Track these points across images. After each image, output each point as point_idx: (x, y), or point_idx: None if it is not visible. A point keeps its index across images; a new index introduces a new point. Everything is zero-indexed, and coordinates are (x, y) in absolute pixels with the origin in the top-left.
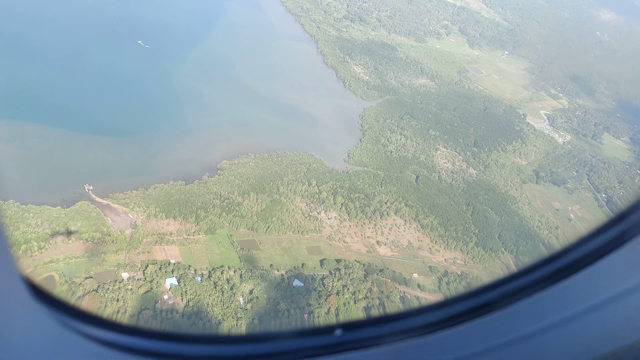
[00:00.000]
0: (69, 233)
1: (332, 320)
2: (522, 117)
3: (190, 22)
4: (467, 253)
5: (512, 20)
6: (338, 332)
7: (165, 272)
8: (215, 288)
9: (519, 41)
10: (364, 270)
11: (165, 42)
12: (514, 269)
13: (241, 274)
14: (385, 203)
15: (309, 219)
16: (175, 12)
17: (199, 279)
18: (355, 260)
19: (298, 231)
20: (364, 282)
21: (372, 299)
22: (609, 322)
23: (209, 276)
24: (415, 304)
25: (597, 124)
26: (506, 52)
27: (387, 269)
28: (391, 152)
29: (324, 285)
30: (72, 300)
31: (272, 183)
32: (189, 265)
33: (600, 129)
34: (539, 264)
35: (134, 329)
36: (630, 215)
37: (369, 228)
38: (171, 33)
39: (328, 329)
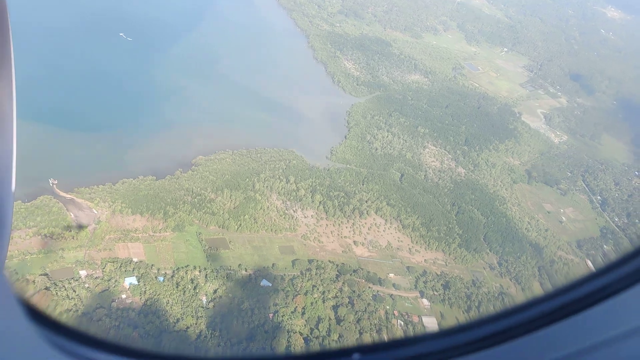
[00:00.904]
0: (28, 228)
1: (297, 319)
2: (518, 115)
3: (178, 15)
4: (449, 254)
5: (513, 17)
6: (356, 356)
7: (126, 270)
8: (177, 287)
9: (519, 38)
10: (337, 271)
11: (150, 36)
12: (497, 269)
13: (206, 274)
14: (366, 202)
15: (284, 217)
16: (163, 5)
17: (162, 278)
18: (329, 261)
19: (271, 230)
20: (335, 282)
21: (342, 298)
22: (628, 357)
23: (173, 275)
24: (389, 303)
25: (596, 124)
26: (505, 49)
27: (362, 269)
28: (376, 149)
29: (292, 285)
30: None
31: (247, 180)
32: (152, 264)
33: (599, 129)
34: (557, 293)
35: (131, 351)
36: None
37: (346, 227)
38: (157, 26)
39: (346, 352)
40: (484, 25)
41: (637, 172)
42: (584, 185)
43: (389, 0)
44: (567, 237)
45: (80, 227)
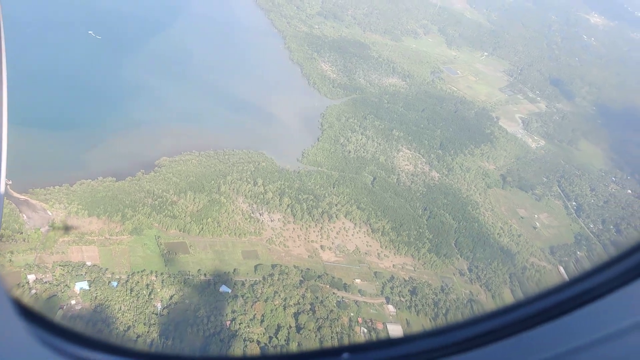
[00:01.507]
0: None
1: (255, 327)
2: (495, 120)
3: (152, 14)
4: (419, 259)
5: (495, 22)
6: (345, 355)
7: (77, 275)
8: (131, 293)
9: (499, 42)
10: (301, 276)
11: (120, 33)
12: (467, 275)
13: (163, 279)
14: (336, 205)
15: (249, 221)
16: (137, 2)
17: (115, 283)
18: (294, 266)
19: (235, 234)
20: (298, 288)
21: (304, 305)
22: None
23: (127, 280)
24: (353, 309)
25: (574, 130)
26: (485, 53)
27: (327, 274)
28: (349, 152)
29: (253, 291)
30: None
31: (213, 182)
32: (107, 268)
33: (577, 135)
34: (549, 293)
35: (122, 349)
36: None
37: (314, 231)
38: (128, 24)
39: (335, 352)
40: (465, 29)
41: (613, 178)
42: (560, 191)
43: (370, 3)
44: (541, 243)
45: (33, 229)
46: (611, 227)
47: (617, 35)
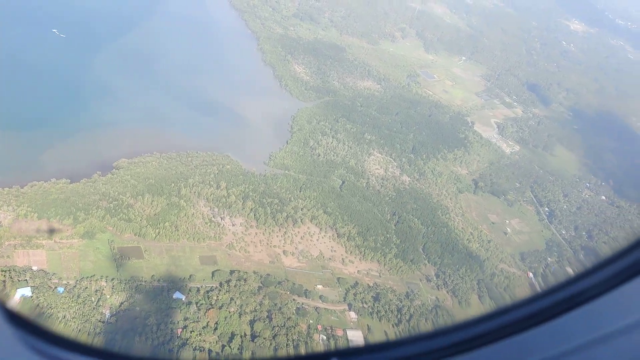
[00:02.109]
0: None
1: (208, 335)
2: (470, 124)
3: (122, 12)
4: (385, 264)
5: (475, 27)
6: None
7: (20, 280)
8: (78, 299)
9: (478, 47)
10: (260, 282)
11: (87, 32)
12: (434, 281)
13: (113, 285)
14: (301, 209)
15: (210, 225)
16: (108, 1)
17: (61, 289)
18: (254, 272)
19: (194, 238)
20: (256, 294)
21: (261, 312)
22: (620, 353)
23: (75, 286)
24: (313, 316)
25: (550, 135)
26: (463, 58)
27: (288, 280)
28: (319, 155)
29: (208, 298)
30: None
31: (173, 185)
32: (54, 273)
33: (553, 140)
34: (551, 291)
35: (108, 354)
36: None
37: (277, 236)
38: (97, 23)
39: (324, 356)
40: (443, 33)
41: (588, 184)
42: (532, 197)
43: (347, 5)
44: (511, 249)
45: None
46: (583, 233)
47: (596, 41)
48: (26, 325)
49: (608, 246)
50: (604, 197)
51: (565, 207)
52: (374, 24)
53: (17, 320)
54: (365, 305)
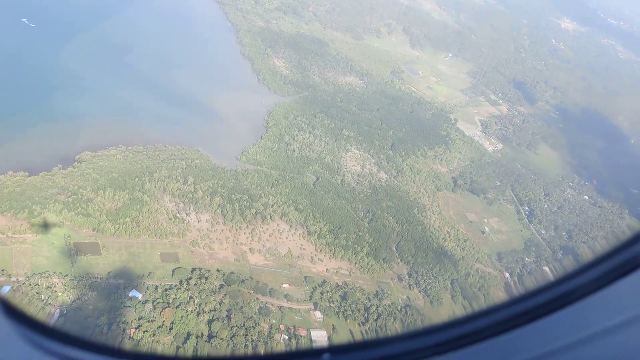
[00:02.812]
0: None
1: (163, 335)
2: (453, 121)
3: (98, 3)
4: (355, 263)
5: (464, 23)
6: (326, 356)
7: None
8: (25, 297)
9: (465, 44)
10: (223, 281)
11: (59, 22)
12: (406, 280)
13: (66, 282)
14: (272, 206)
15: (174, 221)
16: None
17: (8, 287)
18: (217, 270)
19: (156, 234)
20: (216, 293)
21: (221, 311)
22: (606, 353)
23: (24, 283)
24: (277, 316)
25: (534, 133)
26: (450, 55)
27: (252, 279)
28: (294, 151)
29: (165, 296)
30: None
31: (137, 179)
32: (3, 270)
33: (537, 139)
34: (538, 291)
35: (104, 348)
36: (617, 255)
37: (244, 233)
38: (70, 13)
39: (316, 352)
40: (430, 29)
41: (571, 184)
42: (513, 195)
43: (333, 0)
44: (488, 249)
45: None
46: (563, 233)
47: (587, 40)
48: (25, 320)
49: (587, 246)
50: (586, 197)
51: (546, 206)
52: (360, 18)
53: (14, 313)
54: (331, 304)
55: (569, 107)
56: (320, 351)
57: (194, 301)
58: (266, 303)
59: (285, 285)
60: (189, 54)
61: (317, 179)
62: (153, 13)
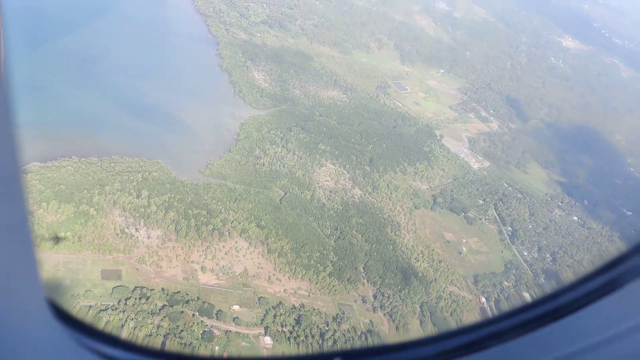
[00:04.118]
0: None
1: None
2: (439, 138)
3: (71, 12)
4: (317, 283)
5: (459, 40)
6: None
7: None
8: None
9: (458, 60)
10: (166, 301)
11: (25, 30)
12: (371, 303)
13: None
14: (231, 222)
15: (121, 237)
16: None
17: None
18: (162, 289)
19: (99, 250)
20: (155, 315)
21: (157, 335)
22: None
23: None
24: (222, 341)
25: (525, 151)
26: (442, 71)
27: (199, 299)
28: (263, 165)
29: (98, 318)
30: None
31: (86, 191)
32: None
33: (527, 157)
34: (530, 306)
35: (155, 352)
36: (625, 261)
37: (198, 251)
38: (39, 21)
39: (328, 356)
40: (423, 45)
41: (560, 203)
42: (496, 215)
43: (322, 14)
44: (464, 271)
45: None
46: (547, 255)
47: (588, 58)
48: (73, 322)
49: (571, 270)
50: (575, 218)
51: (530, 226)
52: (349, 33)
53: (64, 316)
54: (284, 328)
55: (564, 125)
56: (332, 355)
57: (128, 324)
58: (211, 327)
59: (236, 307)
60: (163, 66)
61: (285, 194)
62: (131, 24)
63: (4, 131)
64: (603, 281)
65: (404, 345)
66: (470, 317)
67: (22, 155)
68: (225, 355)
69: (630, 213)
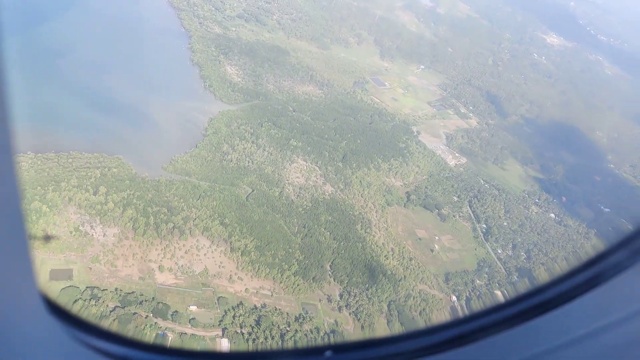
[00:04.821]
0: None
1: None
2: (415, 134)
3: (35, 6)
4: (281, 282)
5: (441, 36)
6: (328, 353)
7: None
8: None
9: (439, 56)
10: (118, 302)
11: None
12: (337, 302)
13: None
14: (193, 220)
15: (74, 235)
16: None
17: None
18: (115, 289)
19: (50, 249)
20: (105, 317)
21: None
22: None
23: None
24: (176, 344)
25: (503, 148)
26: (422, 66)
27: (154, 299)
28: (231, 161)
29: None
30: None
31: (39, 188)
32: None
33: (505, 153)
34: (515, 300)
35: (150, 346)
36: (607, 257)
37: (157, 249)
38: (1, 11)
39: (318, 350)
40: (403, 41)
41: (537, 200)
42: (470, 212)
43: (300, 8)
44: (435, 269)
45: None
46: (522, 253)
47: (572, 55)
48: (67, 317)
49: (545, 267)
50: (552, 215)
51: (505, 224)
52: (327, 28)
53: (58, 311)
54: (243, 330)
55: (545, 122)
56: (322, 349)
57: None
58: (165, 329)
59: (193, 308)
60: (131, 59)
61: (253, 191)
62: (99, 17)
63: None
64: (586, 277)
65: (393, 338)
66: (440, 316)
67: (16, 149)
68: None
69: (607, 210)
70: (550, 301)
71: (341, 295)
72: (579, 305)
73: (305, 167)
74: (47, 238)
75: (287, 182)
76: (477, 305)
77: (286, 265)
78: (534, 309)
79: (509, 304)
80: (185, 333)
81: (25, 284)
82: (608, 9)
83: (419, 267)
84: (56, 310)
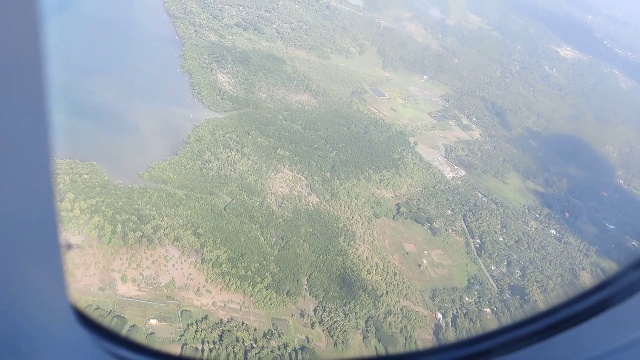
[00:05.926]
0: None
1: None
2: (412, 145)
3: None
4: (252, 296)
5: (448, 47)
6: None
7: None
8: None
9: (444, 67)
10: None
11: None
12: (310, 317)
13: None
14: (165, 229)
15: None
16: None
17: None
18: None
19: None
20: None
21: None
22: None
23: None
24: None
25: (505, 161)
26: (425, 77)
27: (112, 312)
28: (212, 169)
29: None
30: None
31: None
32: None
33: (507, 167)
34: (528, 321)
35: (178, 358)
36: (621, 278)
37: (122, 259)
38: None
39: None
40: (408, 51)
41: (538, 216)
42: (464, 226)
43: (301, 18)
44: (422, 285)
45: None
46: (516, 270)
47: (585, 68)
48: (97, 328)
49: (539, 286)
50: (553, 231)
51: (501, 239)
52: (329, 37)
53: (89, 322)
54: (204, 345)
55: (552, 135)
56: None
57: None
58: None
59: (153, 322)
60: (117, 65)
61: (232, 200)
62: (92, 22)
63: (37, 126)
64: (600, 298)
65: (403, 356)
66: (423, 333)
67: (53, 152)
68: None
69: (612, 227)
70: (564, 322)
71: (315, 311)
72: (593, 326)
73: (290, 177)
74: None
75: (269, 192)
76: (464, 324)
77: (259, 278)
78: (547, 330)
79: (522, 323)
80: None
81: (57, 294)
82: (627, 23)
83: (404, 283)
84: (85, 320)
